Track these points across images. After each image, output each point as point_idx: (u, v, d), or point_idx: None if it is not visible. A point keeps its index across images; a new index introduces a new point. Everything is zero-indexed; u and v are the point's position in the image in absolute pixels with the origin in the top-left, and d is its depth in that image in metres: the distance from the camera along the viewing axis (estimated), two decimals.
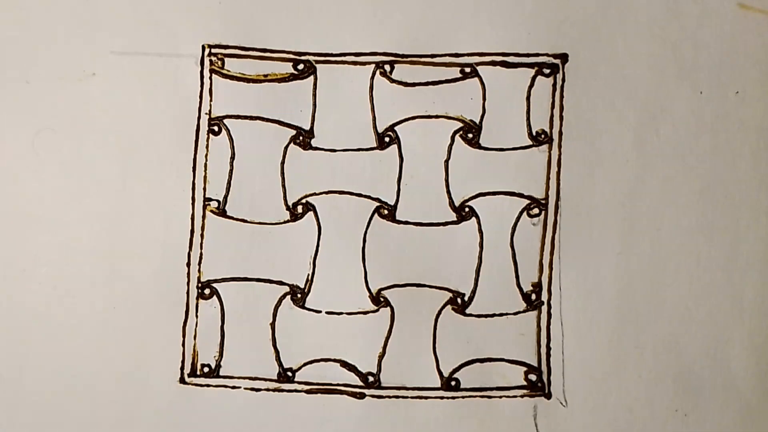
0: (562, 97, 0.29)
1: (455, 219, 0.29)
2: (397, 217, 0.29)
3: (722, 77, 0.29)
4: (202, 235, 0.29)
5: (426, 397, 0.29)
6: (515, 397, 0.29)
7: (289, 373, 0.29)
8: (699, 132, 0.29)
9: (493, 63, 0.29)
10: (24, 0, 0.29)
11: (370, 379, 0.29)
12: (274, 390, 0.29)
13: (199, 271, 0.29)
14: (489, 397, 0.29)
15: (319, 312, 0.29)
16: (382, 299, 0.29)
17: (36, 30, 0.29)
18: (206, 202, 0.29)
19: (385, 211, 0.29)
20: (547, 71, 0.29)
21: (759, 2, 0.29)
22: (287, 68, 0.29)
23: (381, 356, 0.29)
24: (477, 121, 0.29)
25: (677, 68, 0.29)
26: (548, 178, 0.29)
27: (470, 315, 0.29)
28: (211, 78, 0.29)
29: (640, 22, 0.29)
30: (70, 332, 0.29)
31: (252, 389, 0.29)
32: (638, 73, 0.29)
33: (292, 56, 0.29)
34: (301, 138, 0.29)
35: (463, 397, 0.29)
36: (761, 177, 0.29)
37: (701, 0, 0.29)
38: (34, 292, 0.29)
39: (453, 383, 0.29)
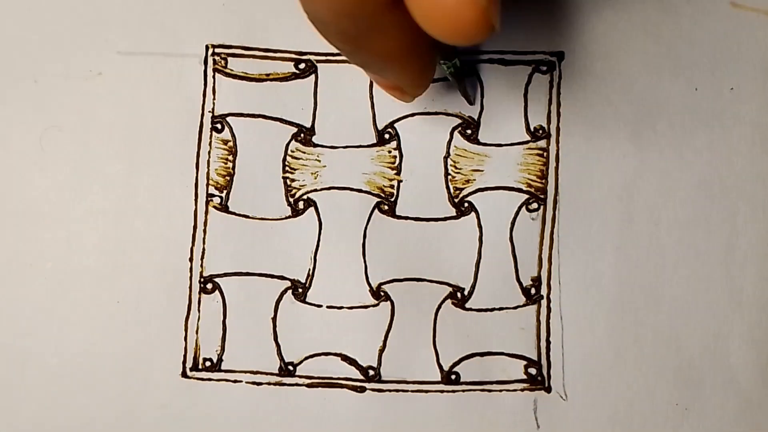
0: (559, 93, 0.30)
1: (455, 214, 0.30)
2: (397, 213, 0.30)
3: (716, 74, 0.30)
4: (204, 231, 0.29)
5: (426, 391, 0.29)
6: (515, 390, 0.29)
7: (291, 367, 0.29)
8: (695, 127, 0.29)
9: (491, 61, 0.30)
10: (32, 2, 0.30)
11: (371, 372, 0.29)
12: (276, 384, 0.29)
13: (201, 266, 0.29)
14: (489, 390, 0.29)
15: (320, 306, 0.29)
16: (382, 294, 0.29)
17: (44, 31, 0.30)
18: (209, 198, 0.30)
19: (385, 207, 0.30)
20: (544, 68, 0.30)
21: (751, 1, 0.30)
22: (289, 68, 0.30)
23: (381, 350, 0.29)
24: (475, 118, 0.30)
25: (672, 65, 0.30)
26: (547, 173, 0.29)
27: (470, 309, 0.29)
28: (214, 77, 0.30)
29: (635, 20, 0.30)
30: (74, 326, 0.29)
31: (253, 383, 0.29)
32: (633, 70, 0.29)
33: (293, 56, 0.30)
34: (302, 135, 0.30)
35: (463, 390, 0.29)
36: (757, 170, 0.29)
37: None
38: (39, 286, 0.29)
39: (453, 377, 0.29)
